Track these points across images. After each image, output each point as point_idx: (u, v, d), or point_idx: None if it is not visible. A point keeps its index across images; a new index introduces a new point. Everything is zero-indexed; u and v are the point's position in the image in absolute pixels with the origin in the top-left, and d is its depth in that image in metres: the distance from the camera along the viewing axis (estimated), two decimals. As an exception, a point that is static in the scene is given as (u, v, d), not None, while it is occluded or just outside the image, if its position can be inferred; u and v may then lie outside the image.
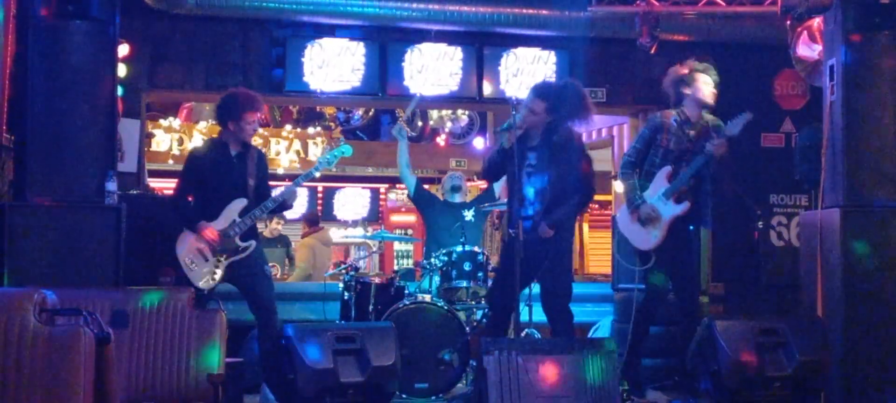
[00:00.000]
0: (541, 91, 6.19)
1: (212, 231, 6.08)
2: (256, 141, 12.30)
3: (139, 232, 6.52)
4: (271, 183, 6.59)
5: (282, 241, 11.00)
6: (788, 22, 7.10)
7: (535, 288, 6.57)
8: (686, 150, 6.30)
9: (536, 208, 6.07)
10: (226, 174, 6.19)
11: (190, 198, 6.30)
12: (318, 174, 6.95)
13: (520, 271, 5.71)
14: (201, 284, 6.05)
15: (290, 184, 6.53)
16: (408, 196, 8.29)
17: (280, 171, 12.83)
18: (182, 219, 6.24)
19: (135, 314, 4.91)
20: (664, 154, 6.34)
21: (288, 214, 9.01)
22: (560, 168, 6.03)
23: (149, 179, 9.16)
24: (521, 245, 5.71)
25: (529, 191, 6.09)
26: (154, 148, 12.13)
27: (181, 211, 6.27)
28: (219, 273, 6.11)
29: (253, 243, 6.18)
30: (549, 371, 5.26)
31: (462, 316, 6.75)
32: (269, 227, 10.63)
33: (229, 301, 6.67)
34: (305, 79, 8.51)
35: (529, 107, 6.11)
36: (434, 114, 14.78)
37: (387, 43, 8.70)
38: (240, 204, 6.16)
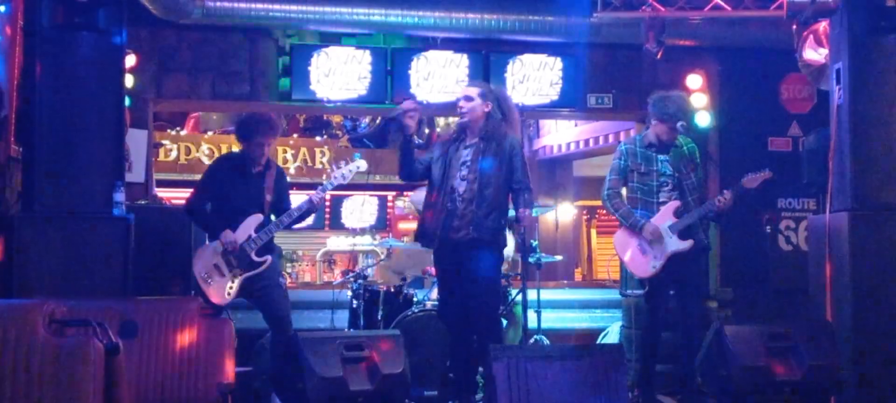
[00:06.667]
0: None
1: (234, 239, 6.07)
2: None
3: (147, 242, 6.52)
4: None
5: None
6: (794, 26, 7.08)
7: (545, 294, 6.55)
8: (674, 177, 6.32)
9: None
10: (243, 189, 6.22)
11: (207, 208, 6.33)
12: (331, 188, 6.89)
13: None
14: (217, 299, 6.06)
15: (296, 191, 6.53)
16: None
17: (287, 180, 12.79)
18: (202, 225, 6.27)
19: (144, 324, 4.91)
20: (640, 177, 6.38)
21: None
22: None
23: (157, 189, 9.16)
24: None
25: None
26: (162, 158, 12.13)
27: (199, 218, 6.29)
28: (234, 288, 6.12)
29: (268, 258, 6.18)
30: (558, 378, 5.25)
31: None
32: None
33: (238, 310, 6.71)
34: (312, 87, 8.51)
35: None
36: (441, 121, 14.75)
37: (393, 51, 8.71)
38: (256, 219, 6.18)
